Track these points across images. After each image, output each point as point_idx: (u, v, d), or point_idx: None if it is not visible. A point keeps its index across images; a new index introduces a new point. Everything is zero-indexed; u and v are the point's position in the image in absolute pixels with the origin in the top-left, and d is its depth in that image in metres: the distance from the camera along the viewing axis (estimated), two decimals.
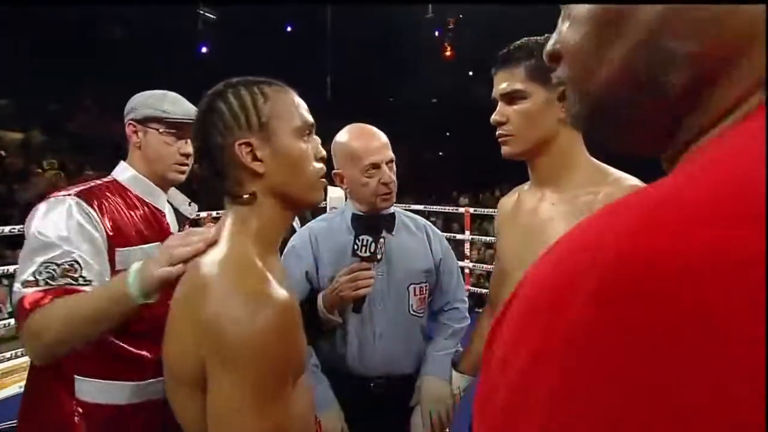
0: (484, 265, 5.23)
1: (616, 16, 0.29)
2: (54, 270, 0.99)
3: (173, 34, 10.96)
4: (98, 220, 1.09)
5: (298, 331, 0.72)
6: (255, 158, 0.76)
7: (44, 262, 0.99)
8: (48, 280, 0.98)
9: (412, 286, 1.39)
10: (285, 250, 1.39)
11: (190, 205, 1.35)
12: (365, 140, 1.33)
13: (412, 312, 1.39)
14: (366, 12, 11.20)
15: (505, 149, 1.07)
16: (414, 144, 15.47)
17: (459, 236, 5.30)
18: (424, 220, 1.53)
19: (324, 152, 0.85)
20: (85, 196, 1.11)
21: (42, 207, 1.07)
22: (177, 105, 1.22)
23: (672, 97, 0.29)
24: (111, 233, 1.11)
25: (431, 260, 1.43)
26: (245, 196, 0.77)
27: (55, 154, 9.10)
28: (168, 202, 1.31)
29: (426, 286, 1.42)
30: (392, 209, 1.41)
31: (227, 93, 0.78)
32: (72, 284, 1.00)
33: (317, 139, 0.85)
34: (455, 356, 1.40)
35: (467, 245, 5.13)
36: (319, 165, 0.83)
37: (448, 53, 11.69)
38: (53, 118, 10.29)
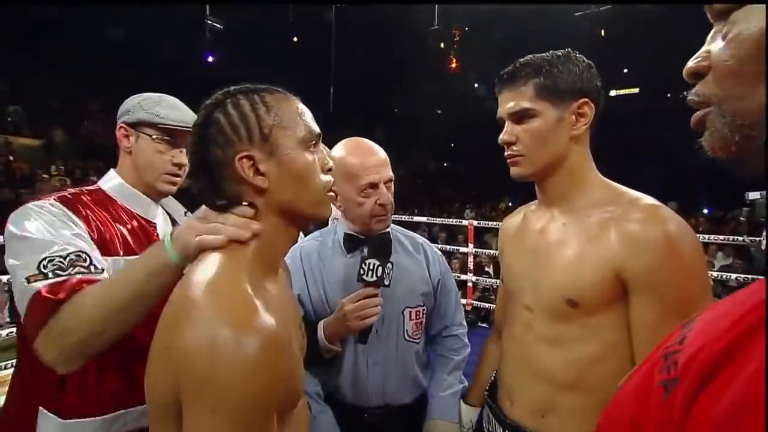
0: (489, 280, 5.16)
1: None
2: (61, 262, 0.88)
3: (180, 43, 11.08)
4: (80, 223, 1.00)
5: (286, 363, 0.66)
6: (257, 172, 0.71)
7: (45, 257, 0.88)
8: (57, 272, 0.87)
9: (408, 309, 1.29)
10: None
11: (186, 215, 1.24)
12: (363, 157, 1.22)
13: (407, 338, 1.29)
14: (371, 22, 11.27)
15: (515, 170, 1.03)
16: (419, 155, 15.49)
17: (462, 249, 5.25)
18: (422, 237, 1.44)
19: (332, 163, 0.79)
20: (65, 202, 1.02)
21: (20, 211, 0.97)
22: (173, 110, 1.13)
23: None
24: (95, 238, 1.01)
25: (429, 282, 1.34)
26: (244, 204, 0.73)
27: (65, 160, 9.21)
28: (164, 209, 1.22)
29: (423, 309, 1.32)
30: (388, 228, 1.30)
31: (226, 103, 0.72)
32: (84, 273, 0.89)
33: (324, 150, 0.80)
34: (462, 390, 1.32)
35: (470, 258, 5.07)
36: (327, 177, 0.78)
37: (453, 65, 11.74)
38: (66, 125, 10.46)
